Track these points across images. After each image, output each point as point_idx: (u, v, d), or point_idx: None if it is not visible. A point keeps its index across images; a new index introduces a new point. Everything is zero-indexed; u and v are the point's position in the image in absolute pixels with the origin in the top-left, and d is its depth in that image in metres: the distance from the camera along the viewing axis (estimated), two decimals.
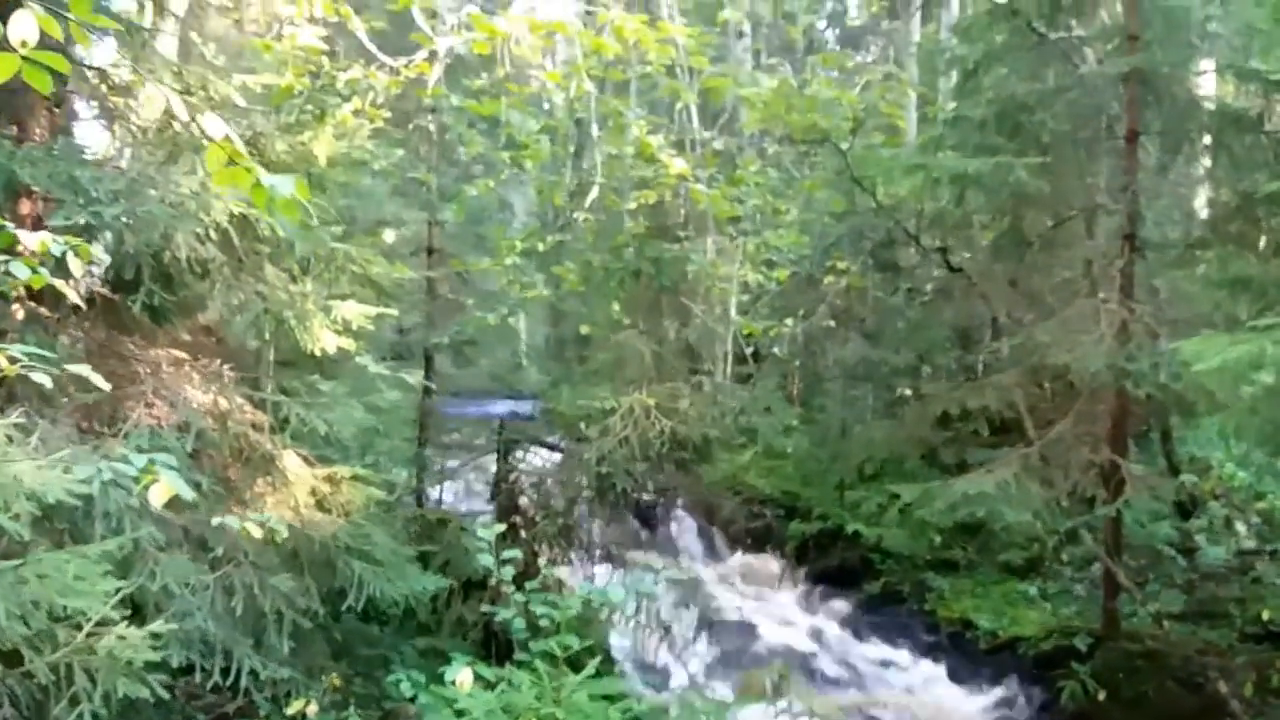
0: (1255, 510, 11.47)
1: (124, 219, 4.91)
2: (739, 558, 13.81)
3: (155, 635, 3.83)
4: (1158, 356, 7.33)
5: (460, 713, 4.68)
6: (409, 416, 9.15)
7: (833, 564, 12.82)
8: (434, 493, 10.02)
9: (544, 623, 5.17)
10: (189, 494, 3.32)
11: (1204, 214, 11.75)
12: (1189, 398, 7.44)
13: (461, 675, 5.26)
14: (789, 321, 12.58)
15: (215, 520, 4.01)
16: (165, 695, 3.75)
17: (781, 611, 11.69)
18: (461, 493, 11.78)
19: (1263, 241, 8.88)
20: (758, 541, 14.08)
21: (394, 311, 6.41)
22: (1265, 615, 8.30)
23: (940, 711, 8.93)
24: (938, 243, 11.22)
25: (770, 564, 13.51)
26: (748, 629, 10.87)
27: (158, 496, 3.38)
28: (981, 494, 6.89)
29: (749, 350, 14.68)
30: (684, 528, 14.60)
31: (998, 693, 9.21)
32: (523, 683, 4.70)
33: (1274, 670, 7.74)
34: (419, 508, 8.33)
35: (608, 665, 6.86)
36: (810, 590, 12.56)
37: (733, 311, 11.93)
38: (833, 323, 12.82)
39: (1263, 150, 8.77)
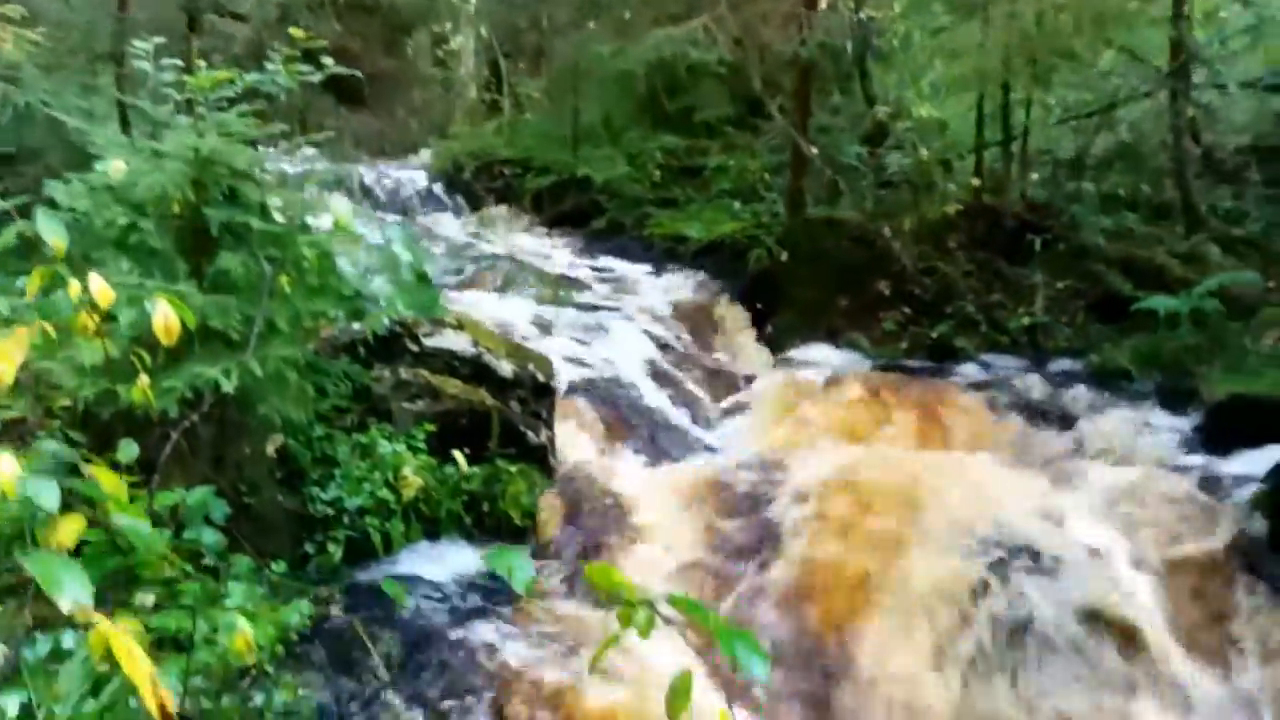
0: (935, 135, 11.86)
1: None
2: (480, 212, 13.46)
3: None
4: None
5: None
6: None
7: (566, 209, 12.72)
8: None
9: None
10: None
11: None
12: None
13: (114, 165, 4.63)
14: None
15: None
16: None
17: (518, 242, 11.46)
18: None
19: None
20: (498, 198, 13.81)
21: None
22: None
23: (652, 289, 9.01)
24: None
25: (509, 214, 13.24)
26: (482, 249, 10.63)
27: None
28: (670, 38, 6.58)
29: None
30: (426, 189, 14.11)
31: (700, 275, 9.35)
32: None
33: (926, 217, 8.09)
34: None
35: None
36: (546, 230, 12.41)
37: None
38: None
39: None
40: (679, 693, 1.43)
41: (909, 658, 3.76)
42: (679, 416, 6.15)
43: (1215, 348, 6.46)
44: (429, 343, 4.81)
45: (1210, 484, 4.90)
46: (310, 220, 4.61)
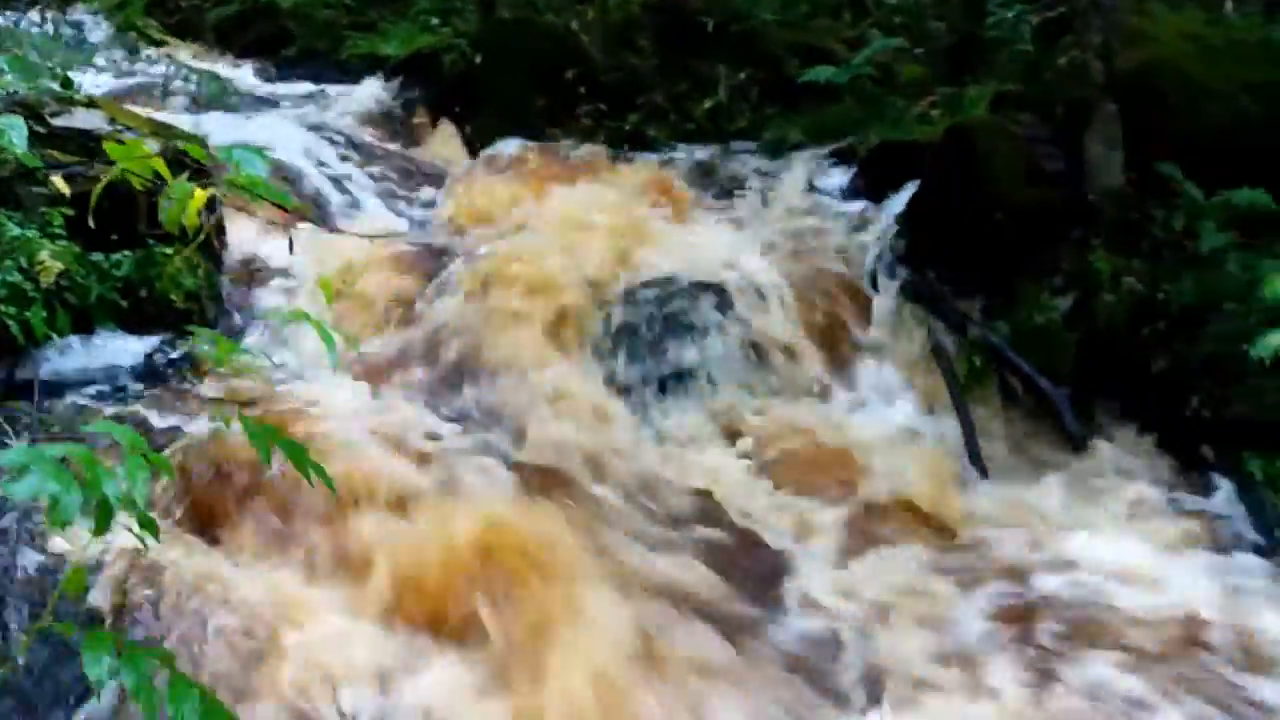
0: None
1: None
2: (158, 48, 12.14)
3: None
4: None
5: None
6: None
7: (253, 38, 11.71)
8: None
9: None
10: None
11: None
12: None
13: None
14: None
15: None
16: None
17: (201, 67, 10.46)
18: None
19: None
20: (177, 32, 12.52)
21: None
22: None
23: (344, 102, 8.51)
24: None
25: (191, 47, 12.04)
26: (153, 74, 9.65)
27: None
28: None
29: None
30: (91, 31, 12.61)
31: (397, 87, 8.89)
32: None
33: (612, 18, 8.08)
34: None
35: None
36: (234, 61, 11.39)
37: None
38: None
39: None
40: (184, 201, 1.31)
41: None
42: (367, 205, 5.93)
43: (874, 114, 6.82)
44: (57, 123, 4.29)
45: (861, 220, 5.24)
46: None
